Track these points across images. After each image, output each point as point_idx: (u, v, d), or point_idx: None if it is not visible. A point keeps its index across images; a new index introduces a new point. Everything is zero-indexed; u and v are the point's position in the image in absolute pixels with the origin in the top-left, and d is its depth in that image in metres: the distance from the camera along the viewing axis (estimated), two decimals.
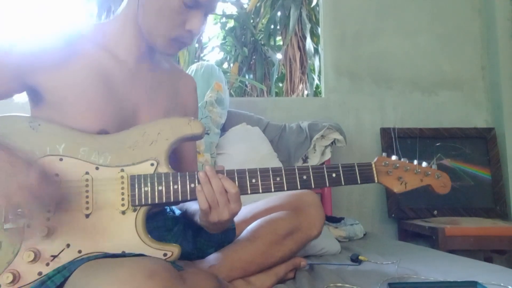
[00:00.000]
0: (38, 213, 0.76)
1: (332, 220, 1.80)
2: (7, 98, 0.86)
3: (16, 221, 0.76)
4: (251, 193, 0.87)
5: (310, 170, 0.90)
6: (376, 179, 0.92)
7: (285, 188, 0.88)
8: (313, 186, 0.90)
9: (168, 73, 1.05)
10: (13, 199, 0.69)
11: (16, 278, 0.73)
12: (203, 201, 0.83)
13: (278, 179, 0.88)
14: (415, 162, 0.95)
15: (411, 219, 2.01)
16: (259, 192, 0.87)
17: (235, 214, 0.85)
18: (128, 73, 0.94)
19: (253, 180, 0.87)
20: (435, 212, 2.04)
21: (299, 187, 0.89)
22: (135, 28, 0.92)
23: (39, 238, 0.76)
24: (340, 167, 0.91)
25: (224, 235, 1.07)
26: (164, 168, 0.85)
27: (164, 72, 1.04)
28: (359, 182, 0.91)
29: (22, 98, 0.93)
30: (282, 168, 0.89)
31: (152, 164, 0.84)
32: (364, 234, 1.78)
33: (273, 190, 0.87)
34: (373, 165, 0.93)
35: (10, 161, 0.71)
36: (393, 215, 2.06)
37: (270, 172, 0.88)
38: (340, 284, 0.98)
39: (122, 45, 0.93)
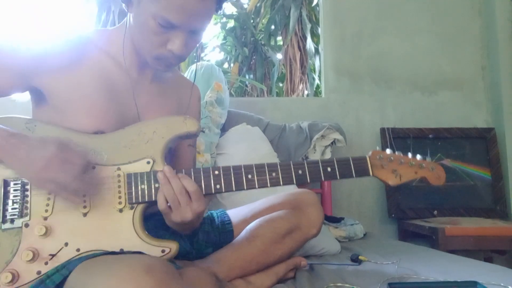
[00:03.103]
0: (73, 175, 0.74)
1: (332, 220, 1.79)
2: (9, 95, 0.87)
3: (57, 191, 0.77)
4: (247, 189, 0.87)
5: (306, 164, 0.90)
6: (371, 172, 0.92)
7: (281, 183, 0.88)
8: (308, 181, 0.90)
9: (172, 83, 1.06)
10: (43, 174, 0.72)
11: (15, 277, 0.73)
12: (162, 201, 0.82)
13: (274, 174, 0.88)
14: (410, 155, 0.95)
15: (411, 219, 2.01)
16: (255, 188, 0.87)
17: (199, 213, 0.84)
18: (131, 81, 0.95)
19: (249, 176, 0.87)
20: (435, 212, 2.03)
21: (295, 182, 0.89)
22: (132, 40, 0.92)
23: (37, 237, 0.76)
24: (335, 161, 0.91)
25: (222, 236, 1.07)
26: (160, 166, 0.85)
27: (168, 82, 1.05)
28: (354, 175, 0.91)
29: (22, 98, 0.94)
30: (278, 163, 0.89)
31: (148, 162, 0.84)
32: (364, 234, 1.78)
33: (269, 185, 0.88)
34: (368, 159, 0.93)
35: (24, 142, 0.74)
36: (393, 215, 2.06)
37: (266, 168, 0.88)
38: (340, 284, 0.98)
39: (125, 54, 0.94)
